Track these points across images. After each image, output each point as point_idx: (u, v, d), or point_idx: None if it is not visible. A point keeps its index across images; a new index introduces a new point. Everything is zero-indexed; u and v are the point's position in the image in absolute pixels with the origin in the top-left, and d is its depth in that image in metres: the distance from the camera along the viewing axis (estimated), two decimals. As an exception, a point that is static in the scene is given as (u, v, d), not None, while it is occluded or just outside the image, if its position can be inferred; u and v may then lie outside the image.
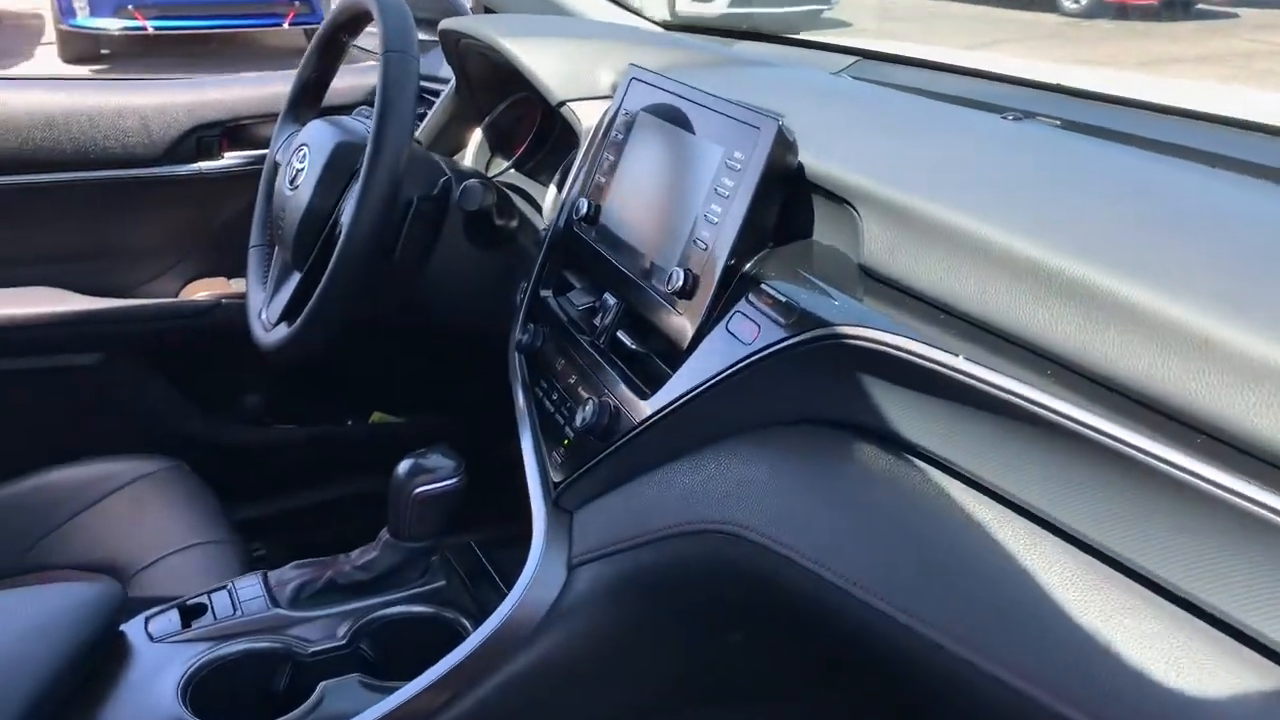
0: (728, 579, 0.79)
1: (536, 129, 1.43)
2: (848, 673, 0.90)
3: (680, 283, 0.83)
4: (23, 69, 6.78)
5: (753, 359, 0.75)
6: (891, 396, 0.70)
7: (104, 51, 6.99)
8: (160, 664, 0.90)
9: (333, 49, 1.32)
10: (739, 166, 0.82)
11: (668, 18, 1.71)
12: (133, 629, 0.94)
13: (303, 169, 1.18)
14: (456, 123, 1.48)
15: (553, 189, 1.29)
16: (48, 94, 1.53)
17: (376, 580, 1.00)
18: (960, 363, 0.62)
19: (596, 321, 0.97)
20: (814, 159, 0.81)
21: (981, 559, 0.63)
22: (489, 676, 0.86)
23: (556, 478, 0.92)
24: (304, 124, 1.26)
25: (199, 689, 0.88)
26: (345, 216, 1.08)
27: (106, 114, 1.53)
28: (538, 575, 0.88)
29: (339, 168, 1.15)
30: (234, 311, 1.53)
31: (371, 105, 1.07)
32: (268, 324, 1.22)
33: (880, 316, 0.69)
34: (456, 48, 1.36)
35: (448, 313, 1.22)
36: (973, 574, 0.63)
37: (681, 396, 0.80)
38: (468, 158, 1.46)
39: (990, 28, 3.78)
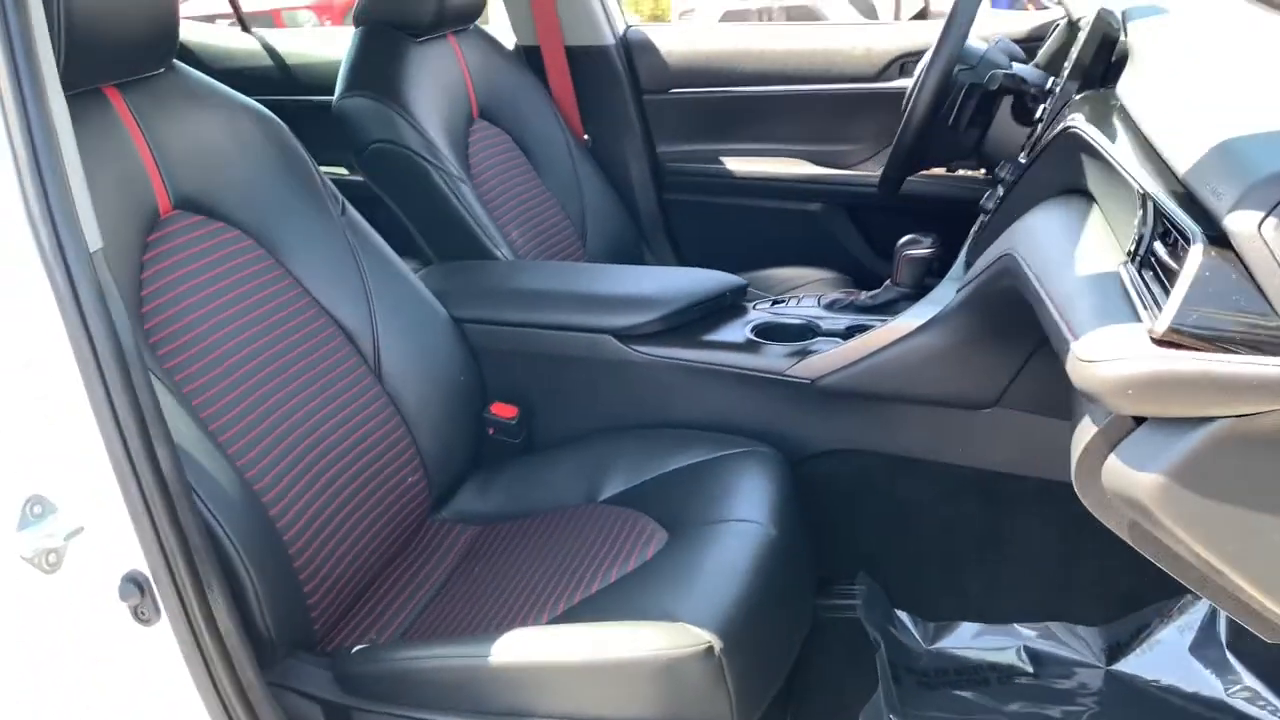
0: (1016, 292, 1.28)
1: None
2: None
3: (1038, 114, 1.33)
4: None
5: (1042, 148, 1.25)
6: (1092, 170, 1.15)
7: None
8: (749, 319, 1.68)
9: None
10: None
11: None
12: (749, 305, 1.74)
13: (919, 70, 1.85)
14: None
15: None
16: (816, 36, 2.40)
17: (876, 307, 1.66)
18: (1107, 149, 1.06)
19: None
20: (1130, 35, 1.25)
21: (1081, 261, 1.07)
22: (894, 345, 1.47)
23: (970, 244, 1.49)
24: None
25: (760, 330, 1.64)
26: (913, 96, 1.72)
27: (844, 49, 2.35)
28: (936, 294, 1.47)
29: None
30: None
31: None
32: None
33: (1091, 126, 1.14)
34: None
35: (984, 158, 1.79)
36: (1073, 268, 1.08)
37: (1015, 181, 1.32)
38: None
39: None
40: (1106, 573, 1.53)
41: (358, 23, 2.03)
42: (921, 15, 10.80)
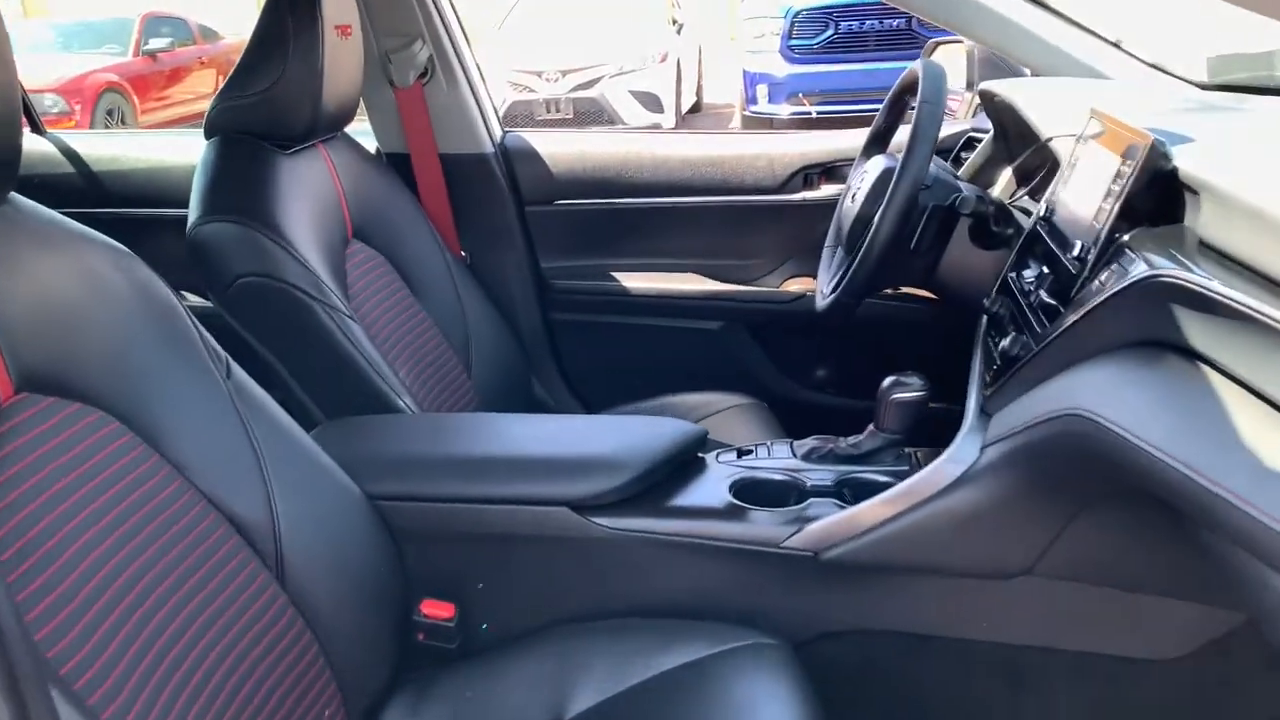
0: (1079, 453, 1.12)
1: (1051, 166, 1.79)
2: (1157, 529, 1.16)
3: (1077, 252, 1.19)
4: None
5: (1111, 295, 1.09)
6: (1197, 324, 1.00)
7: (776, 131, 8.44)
8: (721, 476, 1.45)
9: (898, 106, 1.82)
10: (1126, 171, 1.16)
11: (1204, 79, 1.92)
12: (709, 458, 1.51)
13: (860, 187, 1.69)
14: (991, 164, 1.89)
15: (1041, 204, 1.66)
16: (715, 144, 2.24)
17: (861, 456, 1.47)
18: (1244, 301, 0.90)
19: (1033, 287, 1.34)
20: (1185, 164, 1.12)
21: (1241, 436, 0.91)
22: (911, 510, 1.28)
23: (986, 391, 1.32)
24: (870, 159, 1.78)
25: (739, 491, 1.41)
26: (877, 218, 1.56)
27: (745, 158, 2.19)
28: (958, 451, 1.28)
29: (882, 185, 1.63)
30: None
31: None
32: (824, 295, 1.75)
33: (1197, 270, 1.00)
34: (993, 103, 1.78)
35: (950, 289, 1.64)
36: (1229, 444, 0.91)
37: (1063, 328, 1.16)
38: (996, 190, 1.86)
39: None
40: None
41: (210, 133, 1.68)
42: (695, 109, 11.21)
